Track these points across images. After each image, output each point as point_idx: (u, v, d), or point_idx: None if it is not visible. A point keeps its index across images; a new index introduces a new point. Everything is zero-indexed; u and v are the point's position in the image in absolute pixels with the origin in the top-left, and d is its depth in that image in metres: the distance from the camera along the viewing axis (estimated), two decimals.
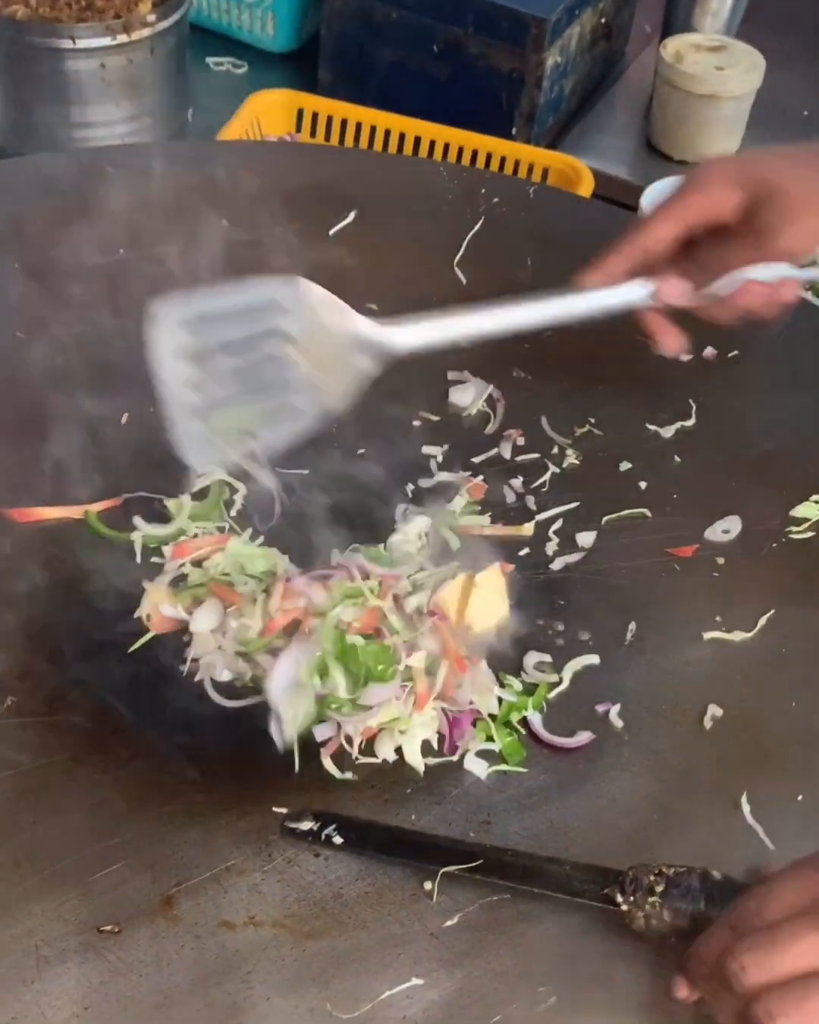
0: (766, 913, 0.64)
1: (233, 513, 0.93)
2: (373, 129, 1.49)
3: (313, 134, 1.52)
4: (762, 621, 0.90)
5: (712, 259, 0.85)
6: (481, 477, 0.97)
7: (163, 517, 0.92)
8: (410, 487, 0.96)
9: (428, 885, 0.75)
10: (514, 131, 1.52)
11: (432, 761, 0.81)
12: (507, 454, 0.99)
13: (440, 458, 0.99)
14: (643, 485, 0.98)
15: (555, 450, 1.00)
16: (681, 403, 1.04)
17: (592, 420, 1.02)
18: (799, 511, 0.97)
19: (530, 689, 0.84)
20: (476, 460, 0.99)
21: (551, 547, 0.94)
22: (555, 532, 0.95)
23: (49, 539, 0.89)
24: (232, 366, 0.79)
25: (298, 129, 1.52)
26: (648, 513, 0.96)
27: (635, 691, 0.86)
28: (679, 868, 0.71)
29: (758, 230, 0.82)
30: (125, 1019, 0.68)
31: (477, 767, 0.81)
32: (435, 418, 1.02)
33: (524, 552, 0.93)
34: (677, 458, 1.00)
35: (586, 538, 0.94)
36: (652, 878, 0.70)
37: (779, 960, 0.61)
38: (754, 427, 1.03)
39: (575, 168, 1.42)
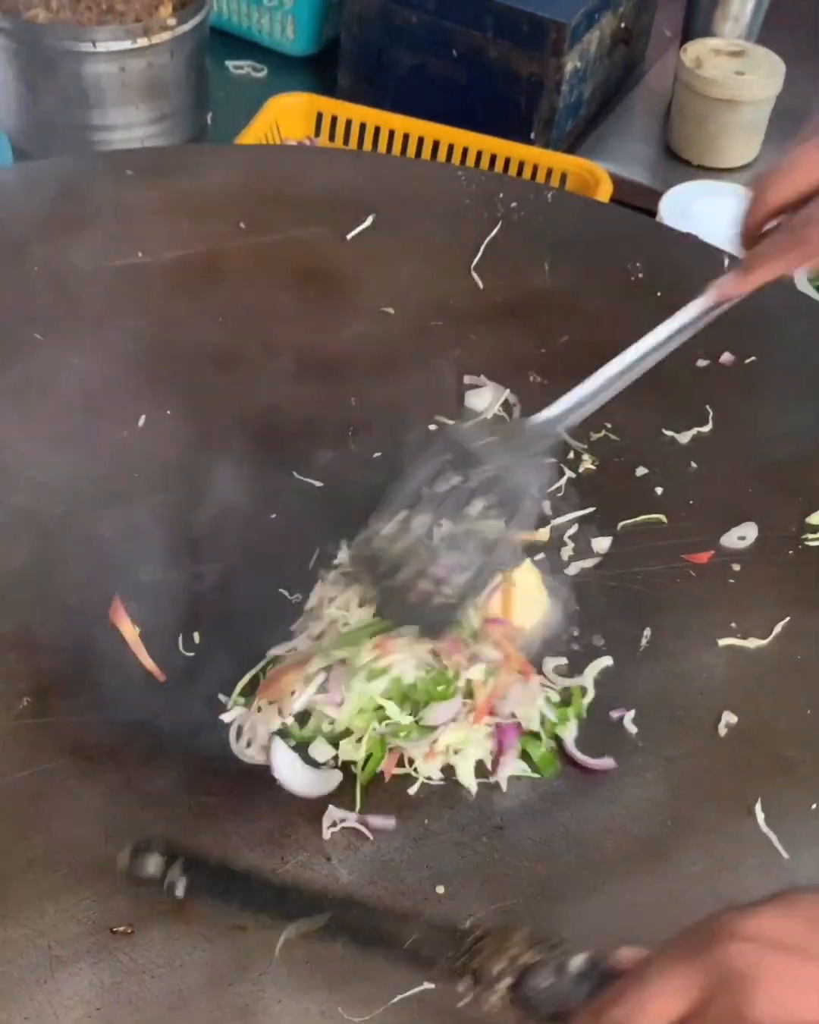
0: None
1: None
2: (391, 133, 1.49)
3: (332, 138, 1.52)
4: (778, 628, 0.90)
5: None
6: None
7: None
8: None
9: (440, 889, 0.75)
10: (533, 135, 1.52)
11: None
12: None
13: None
14: (659, 491, 0.98)
15: (571, 455, 1.00)
16: (698, 409, 1.04)
17: (608, 425, 1.02)
18: (816, 518, 0.97)
19: (565, 699, 0.84)
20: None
21: (566, 552, 0.93)
22: (570, 537, 0.94)
23: (72, 544, 0.90)
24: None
25: (317, 133, 1.52)
26: (664, 519, 0.96)
27: (650, 697, 0.86)
28: (540, 953, 0.60)
29: None
30: (137, 1020, 0.69)
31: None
32: (451, 422, 1.01)
33: (539, 557, 0.93)
34: (693, 464, 1.00)
35: (602, 543, 0.94)
36: (502, 967, 0.60)
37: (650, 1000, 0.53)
38: (771, 433, 1.03)
39: (594, 173, 1.42)
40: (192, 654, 0.84)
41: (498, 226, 1.17)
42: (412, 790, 0.79)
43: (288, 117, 1.50)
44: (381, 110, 1.50)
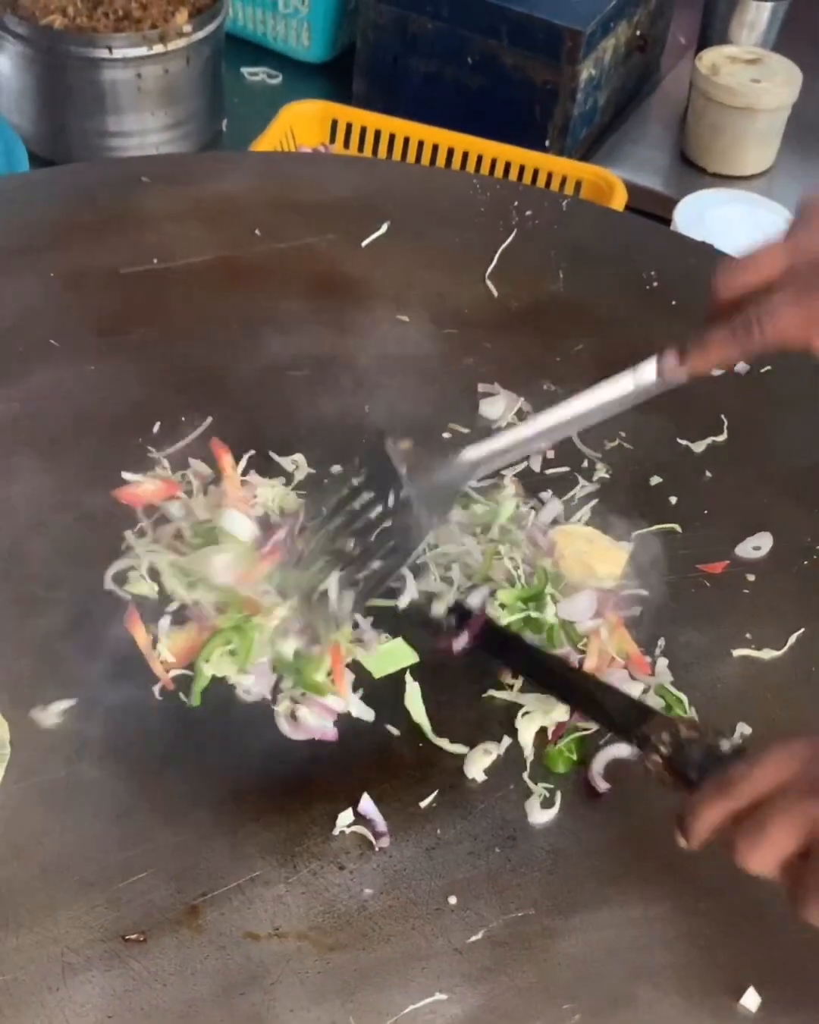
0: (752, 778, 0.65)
1: None
2: (406, 140, 1.49)
3: (347, 145, 1.52)
4: (792, 639, 0.90)
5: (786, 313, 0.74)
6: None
7: None
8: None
9: (452, 899, 0.75)
10: (547, 143, 1.53)
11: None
12: (537, 467, 0.99)
13: None
14: (673, 500, 0.98)
15: (585, 464, 1.00)
16: (712, 418, 1.03)
17: (622, 434, 1.02)
18: None
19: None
20: (505, 473, 0.98)
21: None
22: None
23: (80, 545, 0.90)
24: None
25: (332, 140, 1.53)
26: (678, 528, 0.96)
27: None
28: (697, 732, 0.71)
29: None
30: None
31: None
32: (465, 430, 1.01)
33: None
34: (708, 473, 1.00)
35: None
36: (665, 738, 0.70)
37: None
38: (786, 442, 1.03)
39: (608, 181, 1.42)
40: None
41: (513, 234, 1.16)
42: (424, 802, 0.79)
43: (303, 124, 1.50)
44: (396, 117, 1.50)
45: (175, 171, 1.20)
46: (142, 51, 1.40)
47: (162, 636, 0.83)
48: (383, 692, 0.83)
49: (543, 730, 0.83)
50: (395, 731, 0.82)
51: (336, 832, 0.77)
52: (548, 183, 1.44)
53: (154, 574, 0.87)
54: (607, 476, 0.99)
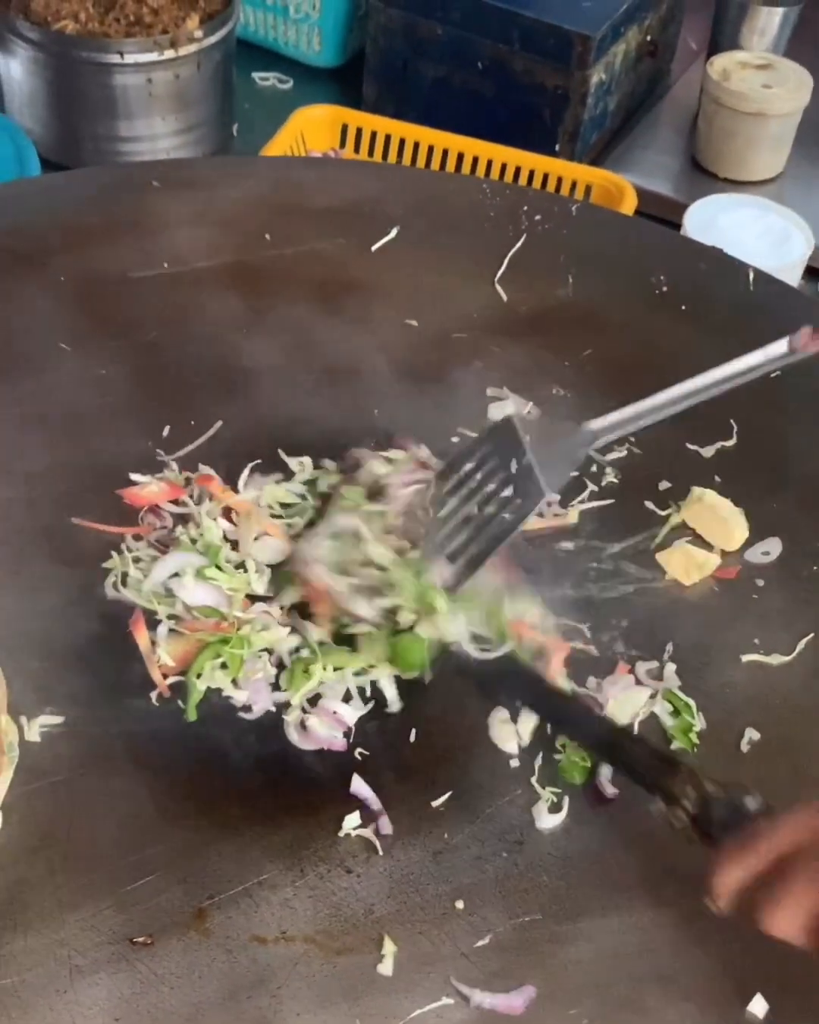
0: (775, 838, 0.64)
1: None
2: (416, 145, 1.49)
3: (357, 150, 1.52)
4: (801, 645, 0.89)
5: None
6: None
7: None
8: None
9: (459, 904, 0.75)
10: (557, 148, 1.53)
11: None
12: None
13: None
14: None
15: (594, 468, 1.00)
16: (722, 423, 1.03)
17: (631, 438, 1.02)
18: None
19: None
20: None
21: (591, 564, 0.93)
22: (592, 549, 0.94)
23: (87, 549, 0.90)
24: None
25: (342, 145, 1.53)
26: (688, 534, 0.96)
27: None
28: (721, 789, 0.70)
29: None
30: None
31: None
32: (474, 434, 1.01)
33: (561, 567, 0.93)
34: (717, 478, 1.00)
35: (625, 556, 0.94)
36: (690, 795, 0.70)
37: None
38: (796, 448, 1.03)
39: (618, 185, 1.42)
40: None
41: (522, 239, 1.17)
42: (436, 803, 0.79)
43: (313, 129, 1.51)
44: (406, 122, 1.50)
45: (186, 176, 1.20)
46: (153, 56, 1.40)
47: (161, 642, 0.83)
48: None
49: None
50: (404, 732, 0.82)
51: (342, 835, 0.77)
52: (558, 188, 1.44)
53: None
54: (616, 481, 0.99)
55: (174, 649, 0.83)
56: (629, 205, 1.39)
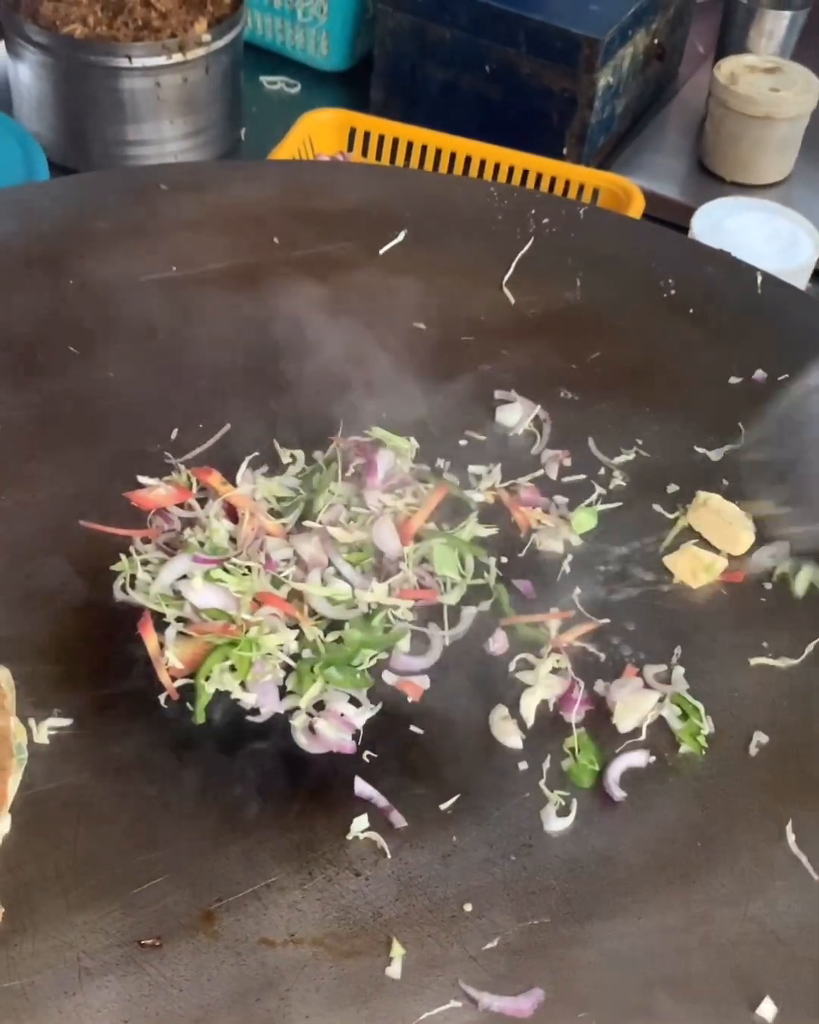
0: None
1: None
2: (424, 149, 1.50)
3: (365, 153, 1.53)
4: (809, 648, 0.89)
5: None
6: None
7: None
8: None
9: (468, 906, 0.75)
10: (565, 151, 1.53)
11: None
12: (553, 475, 0.99)
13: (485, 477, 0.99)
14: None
15: (602, 471, 1.00)
16: (730, 426, 1.03)
17: (639, 442, 1.02)
18: None
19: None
20: (522, 480, 0.99)
21: (599, 567, 0.93)
22: (601, 553, 0.94)
23: (95, 552, 0.90)
24: None
25: (350, 148, 1.53)
26: (696, 537, 0.96)
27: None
28: None
29: None
30: None
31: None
32: (482, 438, 1.02)
33: (569, 570, 0.92)
34: (725, 481, 1.00)
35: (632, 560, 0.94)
36: None
37: None
38: (804, 451, 1.02)
39: (626, 189, 1.42)
40: None
41: (530, 242, 1.17)
42: (444, 805, 0.79)
43: (321, 132, 1.51)
44: (414, 126, 1.50)
45: (194, 179, 1.20)
46: (161, 60, 1.41)
47: (169, 644, 0.83)
48: (398, 696, 0.84)
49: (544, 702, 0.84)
50: (411, 735, 0.82)
51: (351, 837, 0.77)
52: (566, 191, 1.44)
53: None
54: (624, 484, 0.99)
55: (182, 651, 0.83)
56: (637, 209, 1.39)
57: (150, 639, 0.83)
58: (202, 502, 0.91)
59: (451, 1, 1.48)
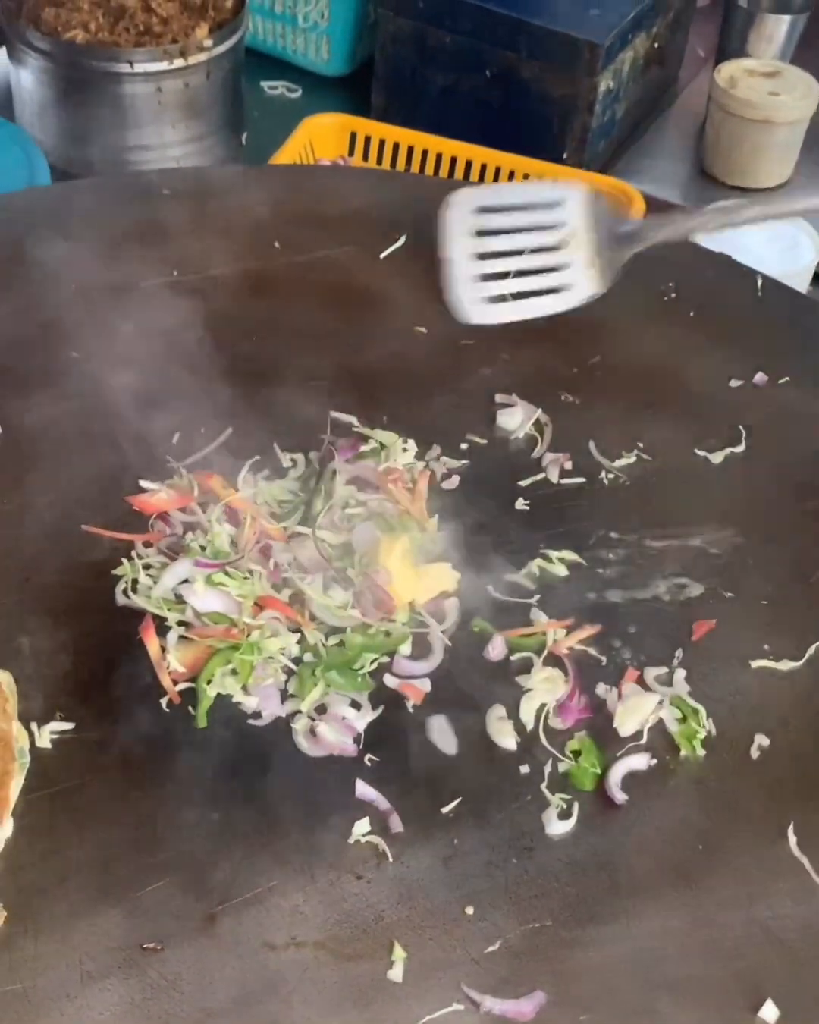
0: None
1: None
2: (425, 153, 1.50)
3: (366, 158, 1.53)
4: (811, 650, 0.89)
5: None
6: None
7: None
8: None
9: (469, 909, 0.75)
10: (565, 155, 1.53)
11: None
12: (554, 478, 0.99)
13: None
14: (691, 511, 0.98)
15: (603, 474, 1.00)
16: (731, 429, 1.03)
17: (640, 444, 1.02)
18: None
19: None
20: (523, 483, 0.99)
21: (601, 571, 0.93)
22: (602, 557, 0.94)
23: (97, 556, 0.90)
24: (512, 245, 0.97)
25: (351, 153, 1.53)
26: (695, 540, 0.96)
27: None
28: None
29: None
30: None
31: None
32: (482, 441, 1.02)
33: (571, 573, 0.93)
34: (726, 484, 1.00)
35: (633, 562, 0.94)
36: None
37: None
38: (804, 454, 1.02)
39: (627, 193, 1.42)
40: None
41: None
42: (446, 809, 0.79)
43: (322, 137, 1.51)
44: (414, 130, 1.51)
45: (195, 184, 1.21)
46: (163, 65, 1.41)
47: (171, 648, 0.83)
48: (399, 699, 0.84)
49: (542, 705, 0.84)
50: (412, 738, 0.82)
51: (352, 841, 0.77)
52: None
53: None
54: (625, 487, 0.99)
55: (184, 655, 0.83)
56: (637, 212, 1.39)
57: (152, 643, 0.83)
58: (204, 506, 0.91)
59: (452, 6, 1.48)
